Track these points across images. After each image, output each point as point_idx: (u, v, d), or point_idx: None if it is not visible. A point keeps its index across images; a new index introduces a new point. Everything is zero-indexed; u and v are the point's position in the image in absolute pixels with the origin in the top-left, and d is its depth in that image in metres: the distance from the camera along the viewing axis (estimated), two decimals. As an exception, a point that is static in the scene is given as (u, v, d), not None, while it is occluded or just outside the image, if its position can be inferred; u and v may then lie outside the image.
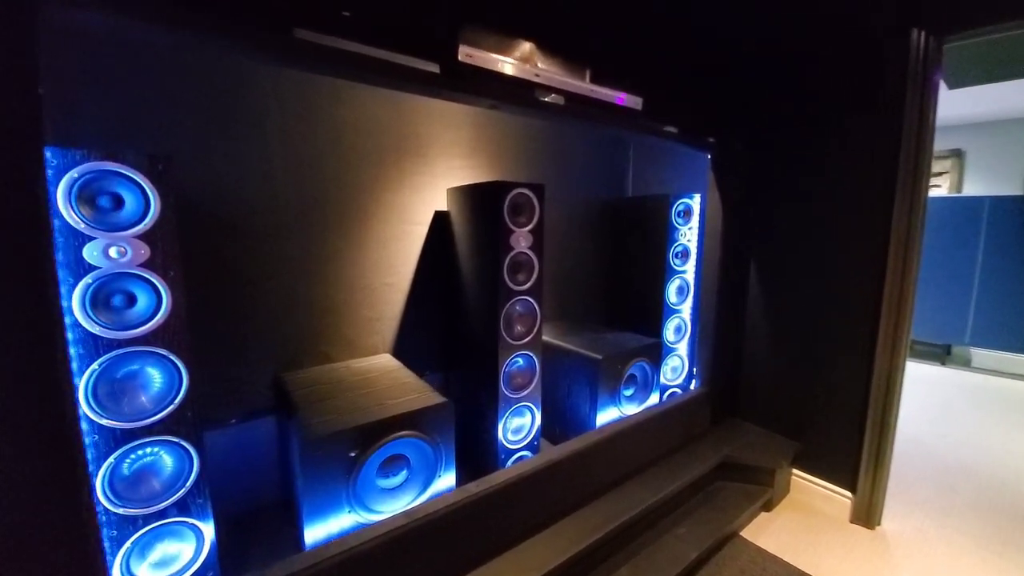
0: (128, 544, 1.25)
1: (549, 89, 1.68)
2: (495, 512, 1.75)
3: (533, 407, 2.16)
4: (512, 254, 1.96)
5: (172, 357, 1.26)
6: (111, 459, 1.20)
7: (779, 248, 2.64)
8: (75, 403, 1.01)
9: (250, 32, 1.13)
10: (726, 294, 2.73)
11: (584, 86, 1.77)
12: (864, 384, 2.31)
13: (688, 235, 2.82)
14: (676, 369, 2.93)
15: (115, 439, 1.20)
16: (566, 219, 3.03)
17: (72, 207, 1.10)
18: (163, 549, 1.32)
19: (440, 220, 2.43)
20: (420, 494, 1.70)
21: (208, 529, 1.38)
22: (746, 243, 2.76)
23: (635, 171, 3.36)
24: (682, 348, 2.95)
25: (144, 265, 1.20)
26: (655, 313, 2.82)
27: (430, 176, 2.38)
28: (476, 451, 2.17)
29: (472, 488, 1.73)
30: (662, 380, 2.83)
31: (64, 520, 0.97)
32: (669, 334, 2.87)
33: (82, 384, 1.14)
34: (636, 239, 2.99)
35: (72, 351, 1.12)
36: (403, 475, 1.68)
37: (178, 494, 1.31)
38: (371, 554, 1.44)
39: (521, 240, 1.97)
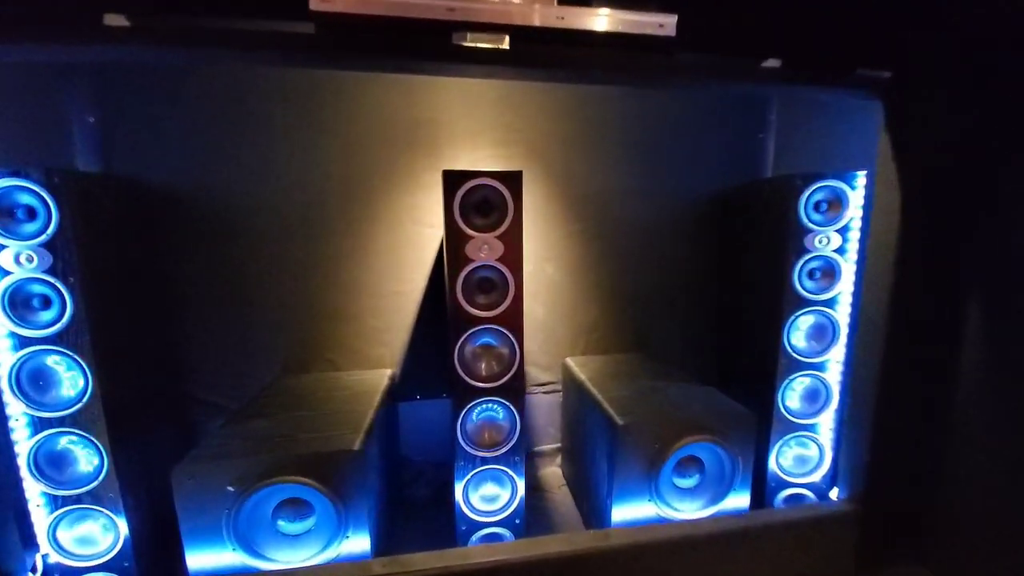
0: (53, 516, 1.39)
1: (479, 27, 1.15)
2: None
3: (512, 473, 1.62)
4: (469, 268, 1.47)
5: (77, 357, 1.33)
6: (34, 440, 1.34)
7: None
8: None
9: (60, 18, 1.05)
10: (904, 344, 1.52)
11: (550, 10, 1.15)
12: None
13: (831, 241, 1.68)
14: (804, 460, 1.83)
15: (35, 425, 1.34)
16: (650, 219, 2.25)
17: (-10, 222, 1.24)
18: (85, 529, 1.43)
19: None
20: (323, 550, 1.43)
21: (121, 521, 1.44)
22: (952, 257, 1.47)
23: (780, 142, 2.24)
24: (823, 426, 1.81)
25: (49, 271, 1.29)
26: (768, 365, 1.80)
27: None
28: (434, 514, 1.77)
29: (375, 568, 1.37)
30: (776, 472, 1.80)
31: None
32: (792, 400, 1.80)
33: (4, 374, 1.30)
34: (749, 247, 1.98)
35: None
36: (310, 522, 1.45)
37: (90, 485, 1.40)
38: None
39: (483, 249, 1.46)
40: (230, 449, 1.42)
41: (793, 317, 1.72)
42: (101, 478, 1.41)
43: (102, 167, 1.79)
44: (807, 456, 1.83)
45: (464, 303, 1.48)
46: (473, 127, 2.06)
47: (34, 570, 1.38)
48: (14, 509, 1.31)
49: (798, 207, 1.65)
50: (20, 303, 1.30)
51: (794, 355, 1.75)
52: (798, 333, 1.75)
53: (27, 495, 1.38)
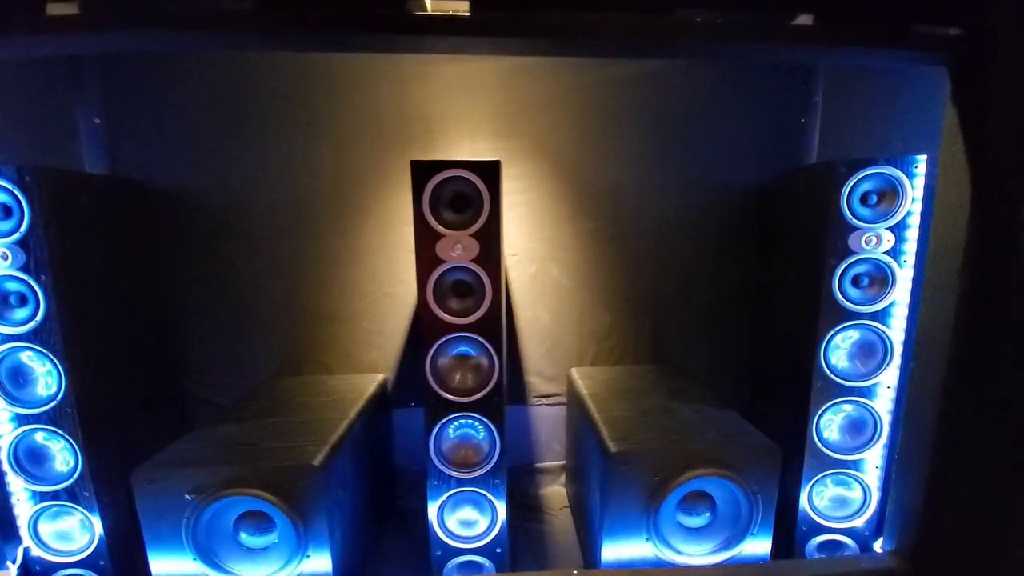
0: (34, 510, 1.41)
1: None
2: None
3: (491, 497, 1.46)
4: (441, 270, 1.33)
5: (50, 355, 1.33)
6: (13, 436, 1.36)
7: None
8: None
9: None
10: (972, 370, 1.21)
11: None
12: None
13: (881, 241, 1.38)
14: (844, 502, 1.53)
15: (16, 421, 1.36)
16: (673, 217, 2.01)
17: (-36, 218, 1.26)
18: (64, 525, 1.44)
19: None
20: (283, 568, 1.35)
21: (96, 520, 1.44)
22: None
23: (828, 127, 1.92)
24: (870, 463, 1.51)
25: (22, 268, 1.29)
26: (802, 389, 1.52)
27: (441, 166, 1.92)
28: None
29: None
30: (809, 514, 1.52)
31: None
32: (830, 430, 1.51)
33: (-15, 371, 1.32)
34: (783, 248, 1.70)
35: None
36: (272, 537, 1.37)
37: (66, 483, 1.40)
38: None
39: (456, 249, 1.31)
40: (193, 456, 1.37)
41: (832, 332, 1.43)
42: (76, 476, 1.41)
43: (108, 168, 1.83)
44: (848, 497, 1.53)
45: (436, 308, 1.34)
46: (471, 119, 1.92)
47: (14, 561, 1.40)
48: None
49: (840, 199, 1.37)
50: (15, 301, 1.31)
51: (833, 377, 1.46)
52: (839, 352, 1.46)
53: (10, 489, 1.40)
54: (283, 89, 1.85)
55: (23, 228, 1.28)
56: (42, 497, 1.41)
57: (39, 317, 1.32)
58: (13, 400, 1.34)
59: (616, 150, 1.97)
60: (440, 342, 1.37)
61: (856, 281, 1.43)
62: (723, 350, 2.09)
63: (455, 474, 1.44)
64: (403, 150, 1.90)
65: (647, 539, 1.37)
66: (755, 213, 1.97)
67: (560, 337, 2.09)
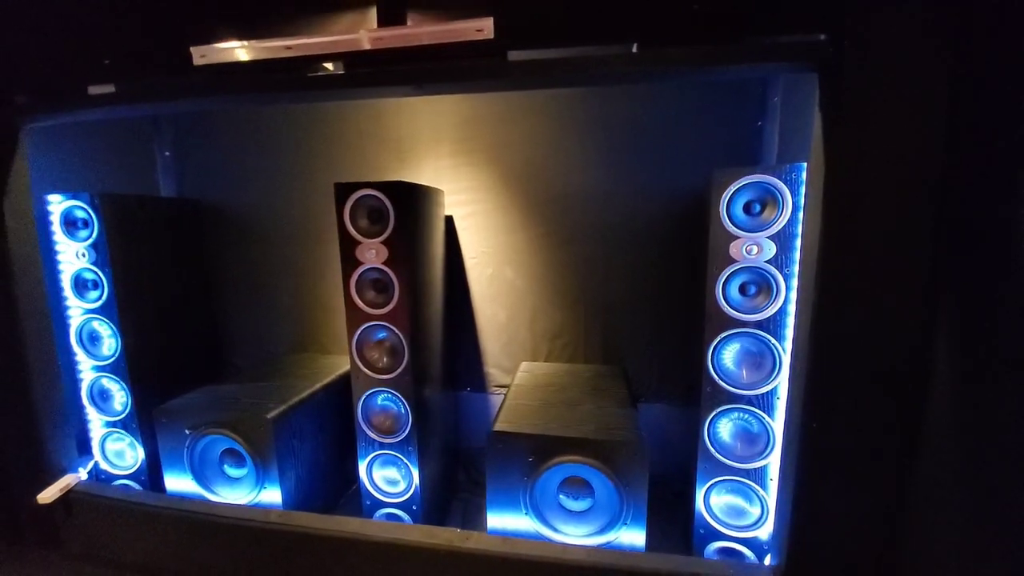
0: (101, 434, 2.00)
1: (314, 60, 1.31)
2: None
3: (406, 460, 1.73)
4: (361, 270, 1.63)
5: (111, 324, 1.89)
6: (88, 379, 1.96)
7: None
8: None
9: None
10: (836, 381, 1.20)
11: (366, 35, 1.26)
12: None
13: (764, 249, 1.38)
14: (739, 512, 1.53)
15: (93, 370, 1.95)
16: (623, 222, 2.10)
17: (61, 228, 1.86)
18: (120, 447, 2.02)
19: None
20: (248, 494, 1.76)
21: (139, 447, 1.99)
22: (913, 272, 1.10)
23: (790, 129, 1.87)
24: (771, 475, 1.50)
25: (94, 263, 1.86)
26: (699, 394, 1.56)
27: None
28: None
29: (272, 516, 1.64)
30: (705, 517, 1.56)
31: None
32: (724, 437, 1.52)
33: (73, 332, 1.92)
34: (696, 255, 1.72)
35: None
36: (244, 470, 1.80)
37: (122, 415, 1.97)
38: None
39: (370, 253, 1.61)
40: (196, 403, 1.84)
41: (718, 339, 1.46)
42: (127, 412, 1.96)
43: (176, 190, 2.44)
44: (742, 508, 1.52)
45: (357, 300, 1.65)
46: (434, 140, 2.20)
47: (85, 467, 1.99)
48: (77, 428, 1.91)
49: (720, 209, 1.40)
50: (79, 284, 1.90)
51: (722, 384, 1.48)
52: (726, 359, 1.48)
53: (88, 417, 2.00)
54: (290, 127, 2.28)
55: (94, 235, 1.84)
56: (107, 424, 1.99)
57: (104, 297, 1.88)
58: (89, 354, 1.93)
59: (567, 160, 2.10)
60: (362, 328, 1.67)
61: (744, 289, 1.44)
62: (671, 353, 2.12)
63: (377, 438, 1.73)
64: (381, 168, 2.24)
65: (525, 513, 1.54)
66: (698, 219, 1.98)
67: (515, 333, 2.28)
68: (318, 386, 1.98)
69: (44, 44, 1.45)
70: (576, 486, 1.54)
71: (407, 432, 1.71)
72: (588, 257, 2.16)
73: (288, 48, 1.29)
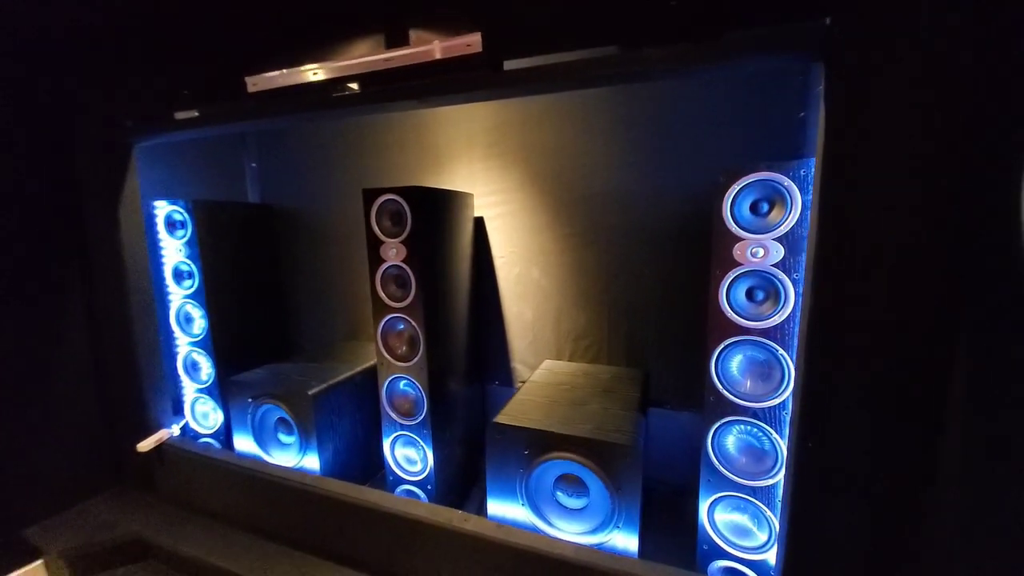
0: (192, 397, 2.43)
1: (337, 82, 1.49)
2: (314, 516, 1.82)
3: (423, 442, 1.88)
4: (384, 267, 1.80)
5: (201, 308, 2.29)
6: (183, 352, 2.39)
7: None
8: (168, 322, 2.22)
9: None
10: (830, 400, 1.10)
11: (375, 60, 1.41)
12: None
13: (771, 252, 1.29)
14: (743, 531, 1.44)
15: (188, 345, 2.38)
16: (650, 224, 2.05)
17: (164, 228, 2.28)
18: (206, 409, 2.43)
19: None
20: (295, 457, 2.04)
21: (219, 411, 2.38)
22: (952, 274, 0.97)
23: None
24: (780, 495, 1.40)
25: (188, 257, 2.27)
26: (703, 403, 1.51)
27: (450, 185, 2.36)
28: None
29: (306, 479, 1.88)
30: (709, 532, 1.51)
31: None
32: (728, 450, 1.45)
33: (172, 313, 2.36)
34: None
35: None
36: (293, 438, 2.08)
37: (207, 384, 2.37)
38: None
39: (391, 252, 1.77)
40: (258, 378, 2.16)
41: (722, 347, 1.39)
42: (211, 381, 2.35)
43: (260, 197, 2.85)
44: (745, 527, 1.43)
45: (382, 294, 1.83)
46: (468, 146, 2.32)
47: (178, 424, 2.42)
48: (173, 392, 2.34)
49: (723, 209, 1.34)
50: (177, 275, 2.32)
51: (726, 394, 1.41)
52: (731, 368, 1.40)
53: (182, 384, 2.43)
54: (344, 140, 2.55)
55: (188, 234, 2.24)
56: (196, 391, 2.41)
57: (196, 285, 2.28)
58: (184, 332, 2.35)
59: (590, 161, 2.11)
60: (385, 319, 1.85)
61: (750, 294, 1.36)
62: (696, 360, 2.01)
63: (398, 419, 1.90)
64: (423, 173, 2.42)
65: (521, 503, 1.60)
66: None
67: (541, 332, 2.33)
68: (357, 370, 2.21)
69: (144, 79, 1.81)
70: (572, 484, 1.56)
71: (423, 416, 1.85)
72: (613, 259, 2.14)
73: (315, 73, 1.48)
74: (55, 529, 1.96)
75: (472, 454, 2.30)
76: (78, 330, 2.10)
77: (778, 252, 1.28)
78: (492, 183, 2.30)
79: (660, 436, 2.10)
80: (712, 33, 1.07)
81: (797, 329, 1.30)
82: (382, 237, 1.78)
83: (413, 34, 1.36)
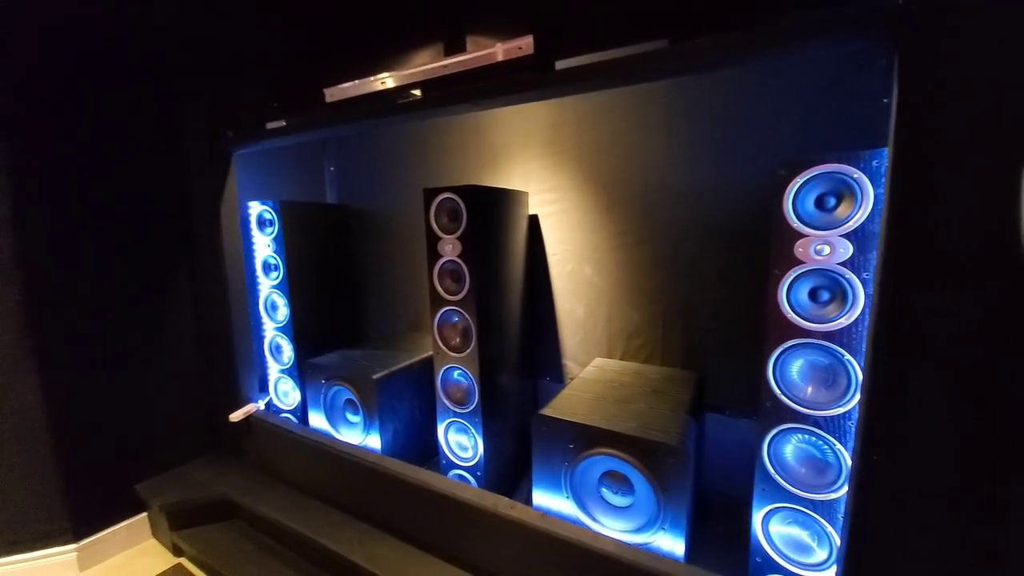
0: (276, 377, 2.72)
1: (403, 89, 1.61)
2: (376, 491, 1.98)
3: (473, 430, 1.96)
4: (441, 262, 1.91)
5: (285, 297, 2.57)
6: (268, 337, 2.68)
7: None
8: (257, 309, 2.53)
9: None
10: (884, 404, 1.02)
11: (434, 67, 1.50)
12: None
13: (837, 250, 1.20)
14: (801, 546, 1.36)
15: (275, 331, 2.67)
16: (711, 222, 1.97)
17: (256, 226, 2.58)
18: (286, 388, 2.71)
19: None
20: (360, 438, 2.22)
21: (297, 391, 2.65)
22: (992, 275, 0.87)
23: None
24: (842, 510, 1.31)
25: (275, 251, 2.55)
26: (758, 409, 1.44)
27: (506, 184, 2.44)
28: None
29: (369, 458, 2.04)
30: (763, 544, 1.44)
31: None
32: (786, 460, 1.37)
33: (261, 301, 2.66)
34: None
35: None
36: (359, 418, 2.26)
37: (287, 366, 2.65)
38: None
39: (448, 247, 1.87)
40: (331, 362, 2.37)
41: (780, 350, 1.32)
42: (292, 362, 2.62)
43: (337, 198, 3.12)
44: (804, 542, 1.34)
45: (438, 287, 1.94)
46: (524, 145, 2.38)
47: (263, 399, 2.71)
48: (259, 371, 2.64)
49: (783, 205, 1.27)
50: (265, 267, 2.61)
51: (784, 399, 1.33)
52: (791, 373, 1.32)
53: (268, 364, 2.73)
54: (409, 143, 2.73)
55: (275, 231, 2.51)
56: (279, 372, 2.69)
57: (280, 277, 2.55)
58: (270, 318, 2.64)
59: (646, 157, 2.07)
60: (441, 311, 1.95)
61: (814, 295, 1.28)
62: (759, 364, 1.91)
63: (451, 407, 2.01)
64: (481, 172, 2.52)
65: (566, 496, 1.63)
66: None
67: (592, 330, 2.32)
68: (416, 358, 2.36)
69: (240, 94, 2.07)
70: (618, 481, 1.56)
71: (475, 405, 1.93)
72: (669, 257, 2.08)
73: (383, 82, 1.61)
74: (160, 486, 2.29)
75: (523, 447, 2.35)
76: (186, 314, 2.44)
77: (846, 249, 1.19)
78: (547, 181, 2.34)
79: (717, 444, 2.01)
80: (768, 18, 1.03)
81: (866, 333, 1.20)
82: (439, 233, 1.89)
83: (470, 40, 1.44)
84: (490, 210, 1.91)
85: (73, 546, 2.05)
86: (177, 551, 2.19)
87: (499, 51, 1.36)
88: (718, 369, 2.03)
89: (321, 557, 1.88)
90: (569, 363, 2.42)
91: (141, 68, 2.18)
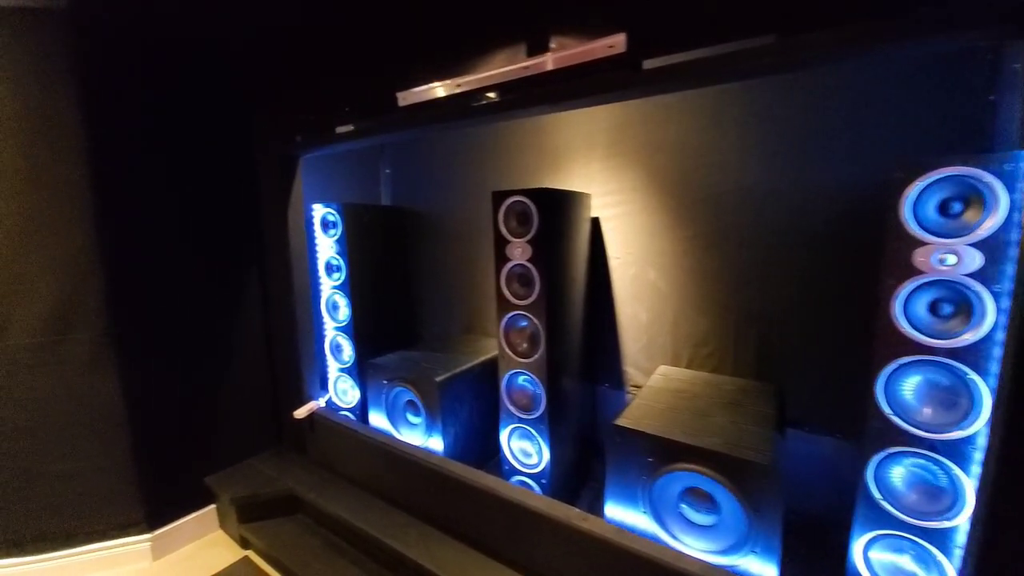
0: (335, 376, 2.78)
1: (479, 92, 1.60)
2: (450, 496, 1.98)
3: (539, 437, 1.94)
4: (509, 266, 1.89)
5: (349, 297, 2.62)
6: (329, 337, 2.74)
7: None
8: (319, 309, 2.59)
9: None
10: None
11: (514, 69, 1.48)
12: None
13: (963, 259, 1.10)
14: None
15: (336, 331, 2.74)
16: (787, 225, 1.88)
17: (320, 228, 2.64)
18: (345, 386, 2.77)
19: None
20: (421, 438, 2.24)
21: (357, 389, 2.70)
22: None
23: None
24: (959, 539, 1.20)
25: (337, 252, 2.60)
26: (863, 430, 1.34)
27: (566, 186, 2.39)
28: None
29: (434, 460, 2.05)
30: (862, 572, 1.35)
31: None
32: (893, 485, 1.27)
33: (324, 301, 2.72)
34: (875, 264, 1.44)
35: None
36: (420, 419, 2.28)
37: (348, 364, 2.70)
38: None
39: (517, 251, 1.85)
40: (390, 363, 2.40)
41: (893, 366, 1.23)
42: (352, 361, 2.67)
43: (392, 200, 3.16)
44: (912, 572, 1.24)
45: (506, 292, 1.92)
46: (586, 146, 2.33)
47: (324, 397, 2.77)
48: (320, 370, 2.70)
49: (899, 210, 1.18)
50: (328, 268, 2.67)
51: (895, 420, 1.24)
52: (904, 391, 1.23)
53: (328, 363, 2.79)
54: (467, 145, 2.72)
55: (339, 233, 2.56)
56: (339, 371, 2.75)
57: (342, 278, 2.60)
58: (331, 318, 2.70)
59: (719, 158, 1.99)
60: (508, 316, 1.93)
61: (934, 308, 1.18)
62: (846, 378, 1.79)
63: (516, 413, 1.98)
64: (538, 175, 2.49)
65: (644, 511, 1.57)
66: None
67: (656, 336, 2.25)
68: (476, 362, 2.35)
69: (309, 100, 2.11)
70: (700, 498, 1.49)
71: (541, 412, 1.91)
72: (742, 262, 1.99)
73: (459, 86, 1.60)
74: (228, 479, 2.37)
75: (583, 454, 2.31)
76: (255, 313, 2.52)
77: (974, 260, 1.09)
78: (610, 183, 2.28)
79: (793, 460, 1.90)
80: (887, 11, 0.95)
81: (998, 351, 1.09)
82: (508, 237, 1.87)
83: (554, 40, 1.41)
84: (559, 213, 1.88)
85: (147, 536, 2.15)
86: (244, 543, 2.27)
87: (587, 51, 1.32)
88: (797, 381, 1.92)
89: (387, 558, 1.90)
90: (630, 369, 2.36)
91: (220, 81, 2.27)
